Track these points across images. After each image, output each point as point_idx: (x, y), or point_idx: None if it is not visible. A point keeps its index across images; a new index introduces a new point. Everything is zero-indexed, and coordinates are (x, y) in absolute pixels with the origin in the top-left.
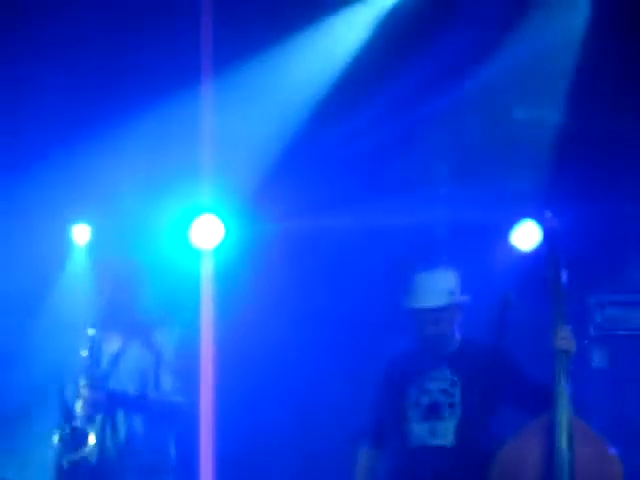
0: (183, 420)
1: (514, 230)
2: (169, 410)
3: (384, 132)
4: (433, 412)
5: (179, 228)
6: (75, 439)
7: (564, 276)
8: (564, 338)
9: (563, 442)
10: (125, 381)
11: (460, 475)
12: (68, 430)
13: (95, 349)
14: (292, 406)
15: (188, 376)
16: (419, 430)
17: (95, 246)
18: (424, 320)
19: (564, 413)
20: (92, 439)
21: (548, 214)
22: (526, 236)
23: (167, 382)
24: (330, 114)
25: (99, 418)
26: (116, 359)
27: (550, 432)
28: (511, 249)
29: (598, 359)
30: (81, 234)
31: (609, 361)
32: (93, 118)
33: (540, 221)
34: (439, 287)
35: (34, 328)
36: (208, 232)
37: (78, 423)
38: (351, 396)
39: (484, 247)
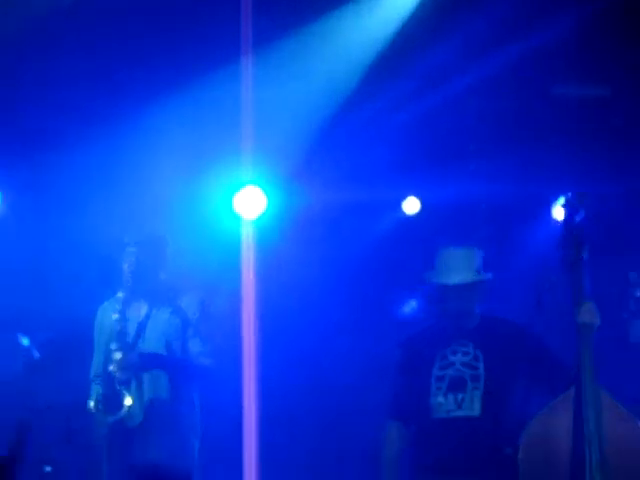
0: (212, 382)
1: (556, 204)
2: (198, 371)
3: (422, 105)
4: (458, 384)
5: (224, 198)
6: (110, 401)
7: (584, 253)
8: (587, 312)
9: (590, 416)
10: (153, 346)
11: (487, 444)
12: (103, 393)
13: (124, 316)
14: (327, 374)
15: (214, 340)
16: (444, 402)
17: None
18: (448, 296)
19: (589, 387)
20: (128, 401)
21: (568, 194)
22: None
23: (195, 345)
24: (370, 87)
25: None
26: (143, 325)
27: (577, 406)
28: (554, 223)
29: (636, 333)
30: None
31: None
32: (139, 93)
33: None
34: (465, 264)
35: (71, 291)
36: (251, 203)
37: (113, 386)
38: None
39: (526, 221)
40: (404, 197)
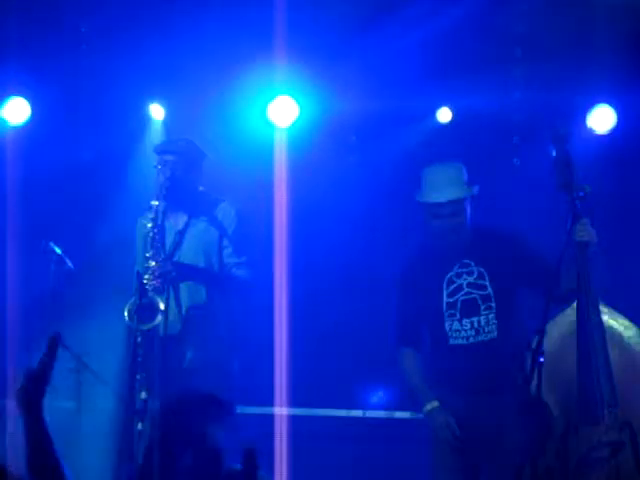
0: (246, 294)
1: (591, 113)
2: (233, 283)
3: (459, 11)
4: (471, 308)
5: (256, 107)
6: (145, 310)
7: (575, 178)
8: (582, 230)
9: (593, 323)
10: (190, 256)
11: (507, 363)
12: (138, 302)
13: (160, 224)
14: (357, 284)
15: (250, 251)
16: (461, 329)
17: (171, 123)
18: (441, 213)
19: (590, 302)
20: (162, 306)
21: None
22: (603, 119)
23: (230, 256)
24: None
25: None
26: (181, 236)
27: (579, 323)
28: (588, 132)
29: None
30: (158, 111)
31: None
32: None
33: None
34: (454, 179)
35: (111, 199)
36: (283, 112)
37: (147, 295)
38: None
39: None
40: (438, 106)
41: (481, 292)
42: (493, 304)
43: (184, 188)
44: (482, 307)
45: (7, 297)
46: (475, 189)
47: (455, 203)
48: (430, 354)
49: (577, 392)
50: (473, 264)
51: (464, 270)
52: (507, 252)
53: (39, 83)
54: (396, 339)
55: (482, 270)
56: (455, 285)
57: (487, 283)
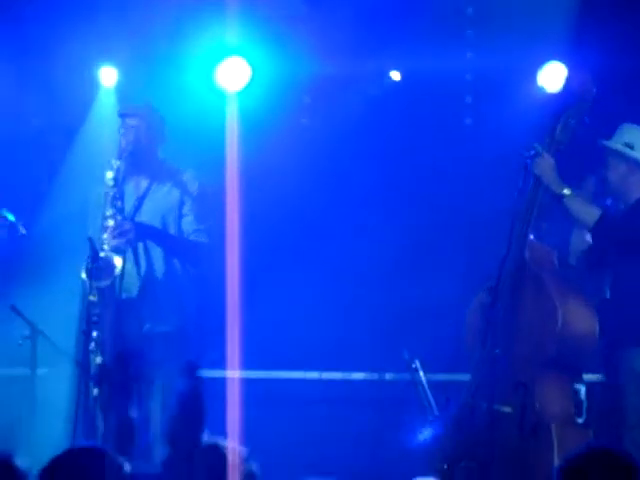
0: (203, 260)
1: (541, 71)
2: (192, 248)
3: None
4: None
5: (206, 70)
6: (101, 267)
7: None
8: (539, 164)
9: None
10: (149, 220)
11: None
12: (95, 262)
13: (120, 184)
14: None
15: (209, 219)
16: None
17: (122, 88)
18: None
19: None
20: (118, 262)
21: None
22: (553, 77)
23: (189, 223)
24: None
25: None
26: (141, 200)
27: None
28: (539, 90)
29: None
30: (108, 76)
31: None
32: None
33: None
34: None
35: (63, 165)
36: (235, 74)
37: (104, 254)
38: None
39: (511, 89)
40: (389, 67)
41: None
42: None
43: (146, 153)
44: None
45: None
46: None
47: None
48: None
49: None
50: None
51: None
52: None
53: None
54: None
55: None
56: None
57: None
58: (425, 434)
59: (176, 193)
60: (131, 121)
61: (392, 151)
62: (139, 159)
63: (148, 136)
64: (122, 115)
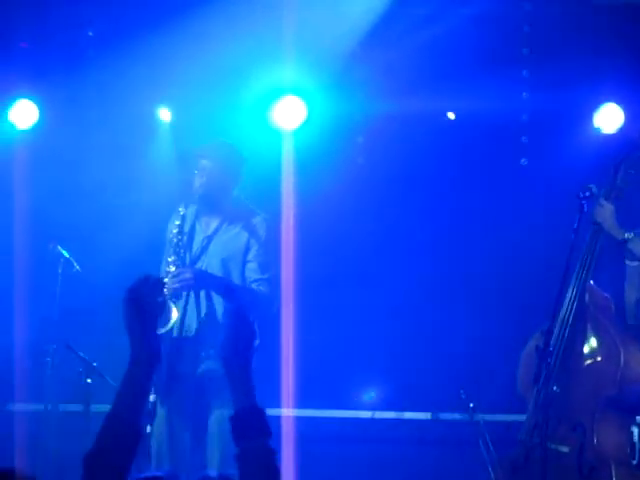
0: (261, 310)
1: (598, 112)
2: (251, 298)
3: (467, 12)
4: None
5: (260, 109)
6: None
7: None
8: (598, 212)
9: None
10: (213, 263)
11: None
12: None
13: (185, 227)
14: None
15: (273, 268)
16: None
17: (178, 127)
18: None
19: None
20: (175, 313)
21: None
22: (610, 118)
23: (252, 271)
24: None
25: (184, 295)
26: (209, 240)
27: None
28: (595, 131)
29: None
30: (165, 115)
31: None
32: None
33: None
34: None
35: (117, 204)
36: (290, 113)
37: (163, 298)
38: None
39: (567, 130)
40: (445, 107)
41: None
42: None
43: (219, 194)
44: None
45: (15, 300)
46: None
47: None
48: None
49: None
50: None
51: None
52: None
53: (47, 86)
54: None
55: None
56: None
57: None
58: None
59: (244, 236)
60: (205, 162)
61: (447, 191)
62: (211, 200)
63: (222, 177)
64: (197, 155)
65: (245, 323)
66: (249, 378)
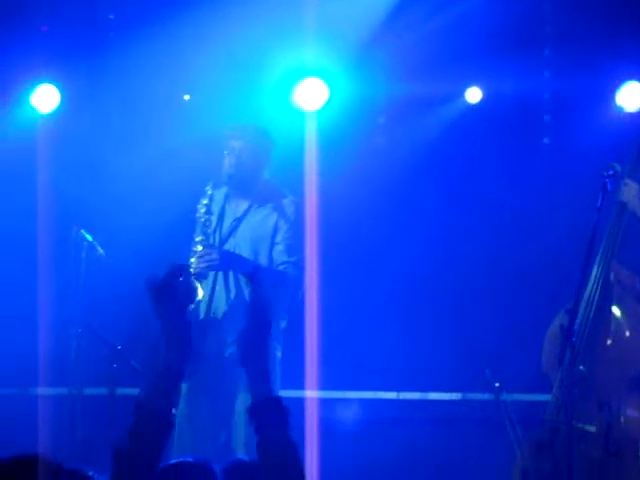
0: (290, 292)
1: (620, 90)
2: (278, 280)
3: None
4: None
5: (283, 90)
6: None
7: None
8: (624, 190)
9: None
10: (242, 245)
11: None
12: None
13: (214, 208)
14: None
15: (300, 250)
16: None
17: (200, 109)
18: None
19: (606, 260)
20: (200, 292)
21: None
22: (632, 96)
23: (279, 254)
24: None
25: (211, 274)
26: (238, 222)
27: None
28: (617, 110)
29: None
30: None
31: None
32: None
33: None
34: None
35: (140, 187)
36: (312, 94)
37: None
38: None
39: (589, 108)
40: (467, 87)
41: None
42: None
43: (249, 175)
44: None
45: (39, 285)
46: None
47: None
48: None
49: None
50: None
51: None
52: None
53: (68, 70)
54: None
55: None
56: None
57: None
58: None
59: (273, 218)
60: (235, 143)
61: (469, 170)
62: (241, 181)
63: (252, 159)
64: (228, 136)
65: (263, 315)
66: (266, 369)
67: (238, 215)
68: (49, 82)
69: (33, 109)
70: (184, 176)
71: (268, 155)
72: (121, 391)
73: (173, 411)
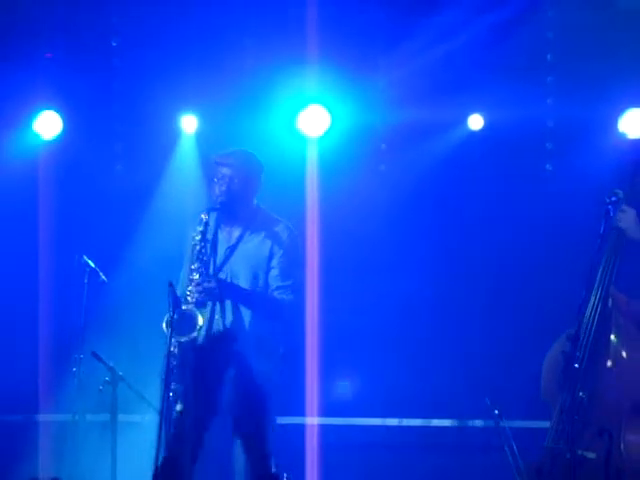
0: (285, 317)
1: (622, 117)
2: (274, 306)
3: (490, 19)
4: None
5: (287, 117)
6: (184, 322)
7: None
8: (621, 217)
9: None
10: (238, 272)
11: None
12: (177, 315)
13: (208, 234)
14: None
15: (296, 274)
16: None
17: (203, 135)
18: None
19: (604, 286)
20: (201, 321)
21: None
22: (635, 123)
23: (274, 278)
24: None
25: (209, 304)
26: (232, 249)
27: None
28: (620, 136)
29: None
30: (190, 123)
31: None
32: (202, 10)
33: None
34: None
35: (142, 214)
36: (315, 121)
37: (188, 307)
38: None
39: (592, 135)
40: (469, 114)
41: None
42: None
43: (240, 202)
44: None
45: (41, 311)
46: None
47: None
48: None
49: None
50: None
51: None
52: None
53: (71, 96)
54: None
55: None
56: None
57: None
58: None
59: (268, 244)
60: (225, 170)
61: (471, 197)
62: (232, 208)
63: (242, 185)
64: (216, 163)
65: (256, 386)
66: (264, 444)
67: (232, 243)
68: (52, 108)
69: (36, 135)
70: (186, 202)
71: (258, 181)
72: (123, 417)
73: None
